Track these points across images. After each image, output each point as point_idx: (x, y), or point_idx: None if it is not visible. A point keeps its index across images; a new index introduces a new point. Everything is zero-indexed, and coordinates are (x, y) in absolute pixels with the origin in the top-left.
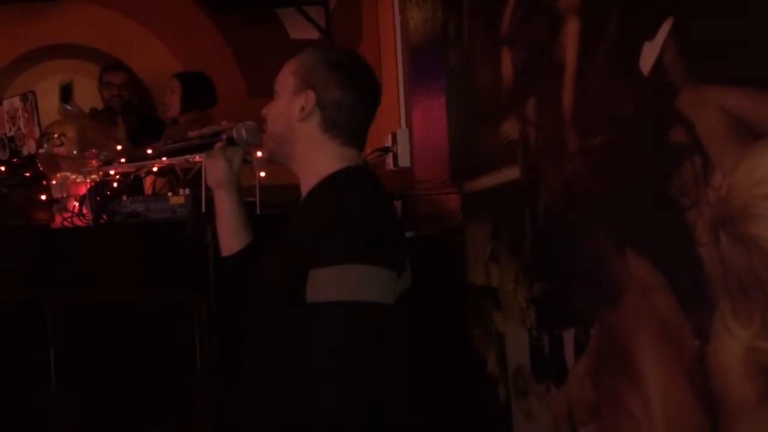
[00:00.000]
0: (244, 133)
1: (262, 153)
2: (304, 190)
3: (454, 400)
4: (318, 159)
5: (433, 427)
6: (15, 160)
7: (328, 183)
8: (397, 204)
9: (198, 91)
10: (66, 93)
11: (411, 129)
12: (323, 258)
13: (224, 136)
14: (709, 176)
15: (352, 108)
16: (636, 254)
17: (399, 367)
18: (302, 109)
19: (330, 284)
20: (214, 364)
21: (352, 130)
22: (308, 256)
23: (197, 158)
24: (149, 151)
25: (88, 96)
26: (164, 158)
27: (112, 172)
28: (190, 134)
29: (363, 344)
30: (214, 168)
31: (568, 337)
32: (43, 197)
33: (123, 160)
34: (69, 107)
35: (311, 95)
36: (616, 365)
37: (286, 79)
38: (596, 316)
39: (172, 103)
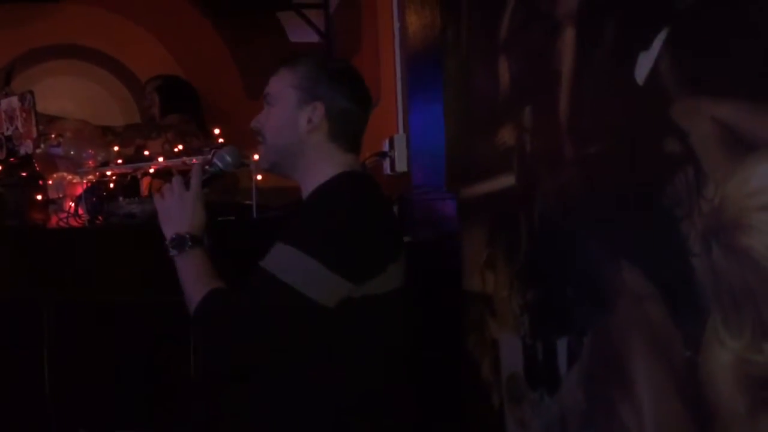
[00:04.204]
0: (228, 158)
1: (262, 165)
2: (305, 196)
3: (448, 406)
4: (323, 167)
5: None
6: (12, 159)
7: (324, 186)
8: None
9: (175, 97)
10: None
11: (408, 134)
12: (282, 235)
13: (207, 168)
14: (702, 187)
15: (356, 116)
16: (629, 263)
17: (321, 364)
18: (309, 120)
19: (272, 255)
20: (207, 367)
21: (355, 136)
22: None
23: (194, 161)
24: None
25: (85, 97)
26: (160, 159)
27: (108, 173)
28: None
29: (270, 316)
30: None
31: (562, 345)
32: (40, 197)
33: (120, 161)
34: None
35: (320, 106)
36: (608, 374)
37: (286, 92)
38: (589, 324)
39: (153, 114)
